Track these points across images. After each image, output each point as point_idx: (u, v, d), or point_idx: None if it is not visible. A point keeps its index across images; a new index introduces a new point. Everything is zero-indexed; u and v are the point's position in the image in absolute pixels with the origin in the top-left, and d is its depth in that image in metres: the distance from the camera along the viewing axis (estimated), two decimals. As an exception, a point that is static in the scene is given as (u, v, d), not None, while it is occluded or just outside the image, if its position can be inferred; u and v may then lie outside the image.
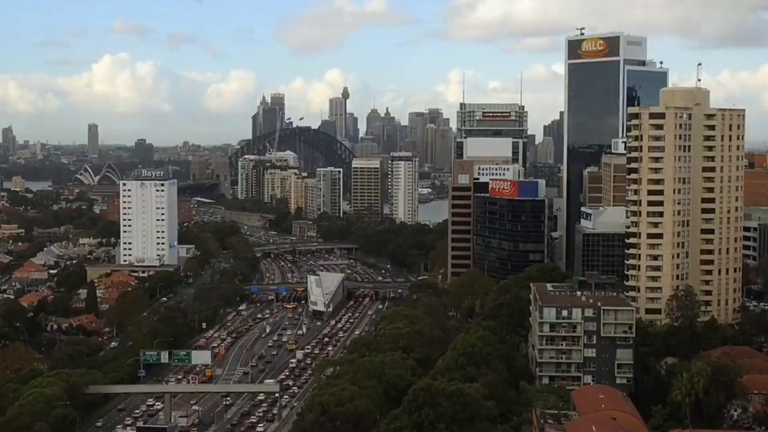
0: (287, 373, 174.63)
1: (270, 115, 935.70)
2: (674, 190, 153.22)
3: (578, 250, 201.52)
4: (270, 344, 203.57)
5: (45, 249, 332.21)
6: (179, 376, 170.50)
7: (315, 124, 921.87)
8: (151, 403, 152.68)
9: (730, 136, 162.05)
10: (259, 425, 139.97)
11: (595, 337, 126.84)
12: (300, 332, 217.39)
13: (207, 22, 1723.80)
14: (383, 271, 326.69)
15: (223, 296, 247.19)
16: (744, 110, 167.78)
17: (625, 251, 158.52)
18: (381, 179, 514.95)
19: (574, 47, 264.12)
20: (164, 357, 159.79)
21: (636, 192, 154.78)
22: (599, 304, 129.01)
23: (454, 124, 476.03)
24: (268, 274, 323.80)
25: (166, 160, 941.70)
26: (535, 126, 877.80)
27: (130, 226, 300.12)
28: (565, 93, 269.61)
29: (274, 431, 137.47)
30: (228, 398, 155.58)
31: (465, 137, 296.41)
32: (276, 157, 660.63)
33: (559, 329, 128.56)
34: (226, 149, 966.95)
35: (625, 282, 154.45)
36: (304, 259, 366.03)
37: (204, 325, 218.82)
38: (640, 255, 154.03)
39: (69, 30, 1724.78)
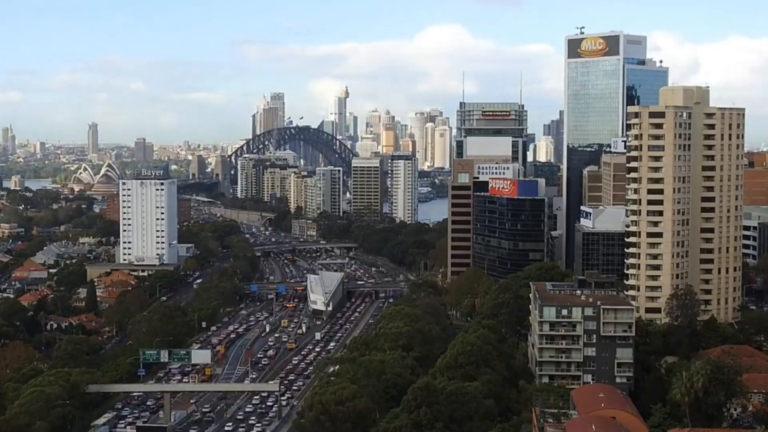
0: (287, 372, 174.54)
1: (269, 114, 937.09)
2: (674, 189, 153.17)
3: (578, 249, 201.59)
4: (270, 342, 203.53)
5: (45, 248, 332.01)
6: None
7: (315, 123, 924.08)
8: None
9: (730, 135, 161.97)
10: (258, 424, 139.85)
11: (594, 336, 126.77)
12: (300, 331, 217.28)
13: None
14: (383, 270, 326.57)
15: (222, 295, 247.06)
16: (744, 109, 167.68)
17: (625, 250, 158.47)
18: (381, 178, 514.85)
19: (573, 46, 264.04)
20: (164, 356, 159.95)
21: (636, 191, 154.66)
22: (599, 303, 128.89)
23: (453, 123, 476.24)
24: (267, 273, 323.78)
25: (166, 159, 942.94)
26: (535, 125, 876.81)
27: (129, 225, 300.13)
28: (564, 92, 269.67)
29: (274, 430, 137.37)
30: (231, 396, 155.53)
31: (465, 136, 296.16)
32: (276, 156, 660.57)
33: (558, 328, 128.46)
34: (225, 148, 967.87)
35: (625, 281, 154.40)
36: (304, 258, 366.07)
37: (204, 324, 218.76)
38: (639, 254, 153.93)
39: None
